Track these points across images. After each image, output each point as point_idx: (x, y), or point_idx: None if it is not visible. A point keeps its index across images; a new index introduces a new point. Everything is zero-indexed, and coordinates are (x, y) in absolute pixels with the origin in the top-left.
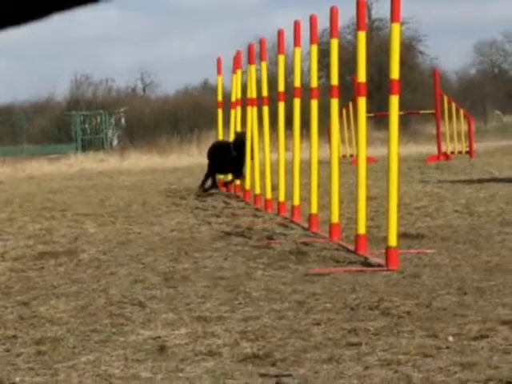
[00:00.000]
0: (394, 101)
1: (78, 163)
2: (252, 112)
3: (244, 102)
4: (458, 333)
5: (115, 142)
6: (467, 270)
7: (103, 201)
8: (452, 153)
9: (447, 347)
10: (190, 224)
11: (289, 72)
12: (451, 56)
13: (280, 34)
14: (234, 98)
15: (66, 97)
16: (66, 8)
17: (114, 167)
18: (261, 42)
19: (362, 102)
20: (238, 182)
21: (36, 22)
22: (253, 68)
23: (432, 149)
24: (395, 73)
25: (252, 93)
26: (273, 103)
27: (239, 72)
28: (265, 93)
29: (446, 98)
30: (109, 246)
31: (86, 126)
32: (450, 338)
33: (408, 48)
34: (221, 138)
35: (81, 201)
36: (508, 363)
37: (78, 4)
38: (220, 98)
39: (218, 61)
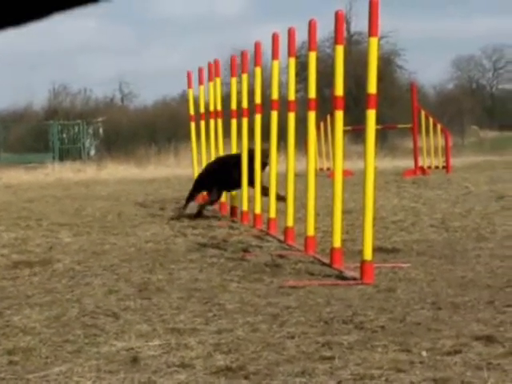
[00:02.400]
0: (371, 115)
1: (55, 173)
2: (232, 124)
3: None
4: (431, 348)
5: (93, 152)
6: (442, 284)
7: (79, 211)
8: (429, 167)
9: (420, 362)
10: (166, 235)
11: (267, 85)
12: (429, 71)
13: (257, 46)
14: (203, 110)
15: (44, 106)
16: (66, 8)
17: (91, 177)
18: (242, 54)
19: (338, 115)
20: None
21: (36, 22)
22: (233, 80)
23: (409, 163)
24: (372, 87)
25: (232, 104)
26: (250, 116)
27: (211, 84)
28: (245, 105)
29: (423, 113)
30: (83, 256)
31: (64, 135)
32: (424, 353)
33: (386, 62)
34: (195, 151)
35: (57, 210)
36: (481, 379)
37: (78, 4)
38: (192, 111)
39: (188, 74)
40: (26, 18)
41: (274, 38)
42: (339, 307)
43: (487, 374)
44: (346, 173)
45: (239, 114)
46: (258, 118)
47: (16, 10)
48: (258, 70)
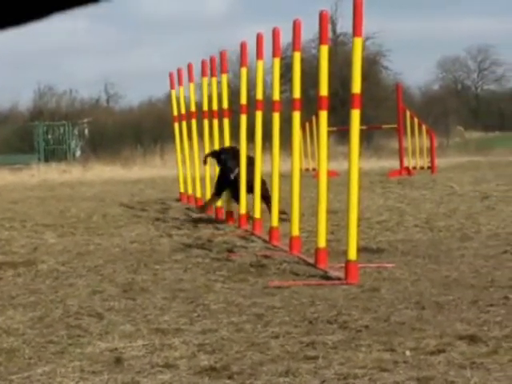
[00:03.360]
0: (356, 115)
1: (41, 174)
2: (214, 124)
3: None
4: (415, 347)
5: (78, 153)
6: (426, 284)
7: (64, 212)
8: (414, 168)
9: (404, 361)
10: (151, 236)
11: (252, 85)
12: (415, 71)
13: (243, 46)
14: (184, 111)
15: (29, 107)
16: (66, 8)
17: (77, 178)
18: (221, 55)
19: (323, 115)
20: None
21: (36, 22)
22: (214, 80)
23: (394, 163)
24: (357, 87)
25: (214, 105)
26: (235, 116)
27: (192, 85)
28: (225, 105)
29: (408, 113)
30: (68, 256)
31: (49, 136)
32: (407, 353)
33: (372, 63)
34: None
35: (41, 211)
36: (464, 378)
37: (78, 4)
38: (175, 112)
39: (171, 75)
40: (26, 17)
41: (259, 38)
42: (324, 307)
43: (470, 373)
44: (331, 173)
45: (220, 114)
46: (243, 118)
47: (16, 10)
48: (244, 70)
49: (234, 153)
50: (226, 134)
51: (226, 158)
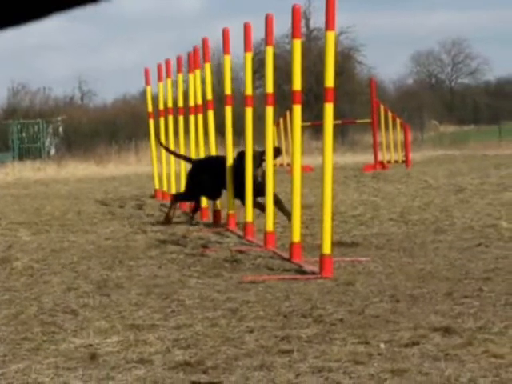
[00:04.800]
0: (329, 109)
1: (15, 172)
2: (189, 120)
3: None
4: (389, 340)
5: (53, 151)
6: (401, 277)
7: (38, 209)
8: (388, 162)
9: (379, 354)
10: (126, 232)
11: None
12: (389, 66)
13: (205, 42)
14: (161, 107)
15: (3, 105)
16: (66, 8)
17: (51, 176)
18: (193, 50)
19: (297, 109)
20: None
21: (36, 22)
22: (191, 76)
23: (369, 158)
24: (330, 81)
25: (190, 100)
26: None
27: (169, 81)
28: (199, 100)
29: (382, 108)
30: (43, 254)
31: (24, 134)
32: (382, 345)
33: (346, 58)
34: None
35: (16, 209)
36: (438, 369)
37: (78, 4)
38: (150, 108)
39: (146, 71)
40: (26, 17)
41: (225, 33)
42: (298, 301)
43: (445, 365)
44: (306, 168)
45: (195, 110)
46: (210, 113)
47: (16, 10)
48: (208, 66)
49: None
50: (200, 129)
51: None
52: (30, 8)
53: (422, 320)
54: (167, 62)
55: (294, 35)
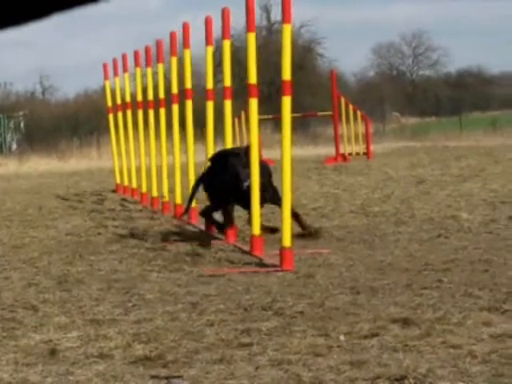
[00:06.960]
0: (287, 102)
1: None
2: (150, 115)
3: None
4: (349, 331)
5: (14, 146)
6: (361, 269)
7: None
8: (350, 154)
9: (338, 346)
10: (86, 227)
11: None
12: (350, 58)
13: (172, 36)
14: (119, 101)
15: None
16: (66, 8)
17: (13, 171)
18: (157, 43)
19: (253, 103)
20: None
21: (36, 22)
22: (149, 70)
23: (331, 150)
24: (287, 74)
25: (149, 95)
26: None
27: (126, 75)
28: (161, 95)
29: (343, 100)
30: (2, 250)
31: None
32: (341, 337)
33: (307, 50)
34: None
35: None
36: (397, 360)
37: (78, 4)
38: (109, 103)
39: (105, 66)
40: (26, 17)
41: (185, 27)
42: (259, 294)
43: (403, 356)
44: (267, 162)
45: (156, 104)
46: (175, 107)
47: (16, 10)
48: (174, 60)
49: (245, 155)
50: (162, 124)
51: (234, 164)
52: (29, 8)
53: (382, 311)
54: (124, 57)
55: (248, 29)
